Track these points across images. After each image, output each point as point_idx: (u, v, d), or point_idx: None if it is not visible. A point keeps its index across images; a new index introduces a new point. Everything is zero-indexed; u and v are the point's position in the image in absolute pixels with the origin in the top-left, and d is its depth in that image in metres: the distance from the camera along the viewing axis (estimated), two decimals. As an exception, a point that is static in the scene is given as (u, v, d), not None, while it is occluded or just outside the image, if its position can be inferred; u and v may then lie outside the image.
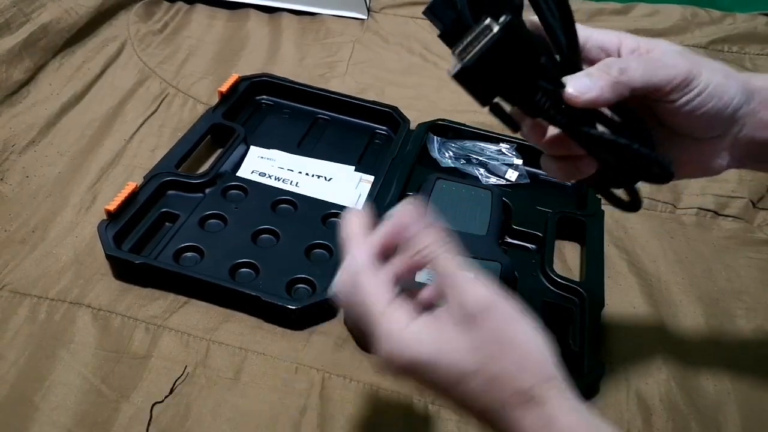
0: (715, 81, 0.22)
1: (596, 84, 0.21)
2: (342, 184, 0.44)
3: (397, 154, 0.45)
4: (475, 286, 0.20)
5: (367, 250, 0.21)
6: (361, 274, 0.21)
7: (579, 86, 0.21)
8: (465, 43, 0.20)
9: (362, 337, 0.21)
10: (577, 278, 0.40)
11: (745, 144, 0.24)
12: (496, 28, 0.19)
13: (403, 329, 0.20)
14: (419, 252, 0.21)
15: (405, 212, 0.21)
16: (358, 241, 0.21)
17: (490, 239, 0.38)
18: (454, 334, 0.19)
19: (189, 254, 0.38)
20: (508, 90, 0.21)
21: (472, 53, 0.20)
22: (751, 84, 0.23)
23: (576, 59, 0.22)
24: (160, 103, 0.50)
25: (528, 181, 0.46)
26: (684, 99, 0.22)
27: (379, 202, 0.41)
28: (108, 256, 0.36)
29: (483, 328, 0.19)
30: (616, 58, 0.22)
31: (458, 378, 0.19)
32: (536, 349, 0.20)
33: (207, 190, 0.41)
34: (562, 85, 0.21)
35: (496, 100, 0.22)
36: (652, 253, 0.42)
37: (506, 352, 0.19)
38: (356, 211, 0.22)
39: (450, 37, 0.20)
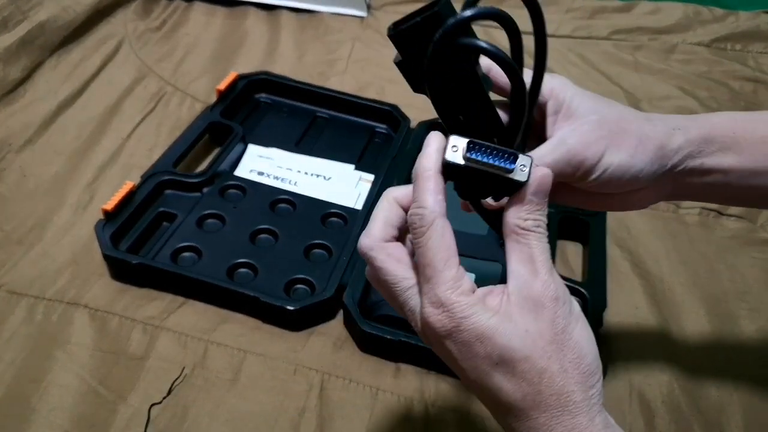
0: (617, 163, 0.23)
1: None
2: (341, 184, 0.44)
3: (397, 152, 0.45)
4: (548, 274, 0.19)
5: (441, 195, 0.20)
6: (438, 220, 0.19)
7: None
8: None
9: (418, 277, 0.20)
10: (579, 278, 0.39)
11: (669, 189, 0.25)
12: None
13: (466, 295, 0.19)
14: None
15: None
16: (438, 183, 0.20)
17: (491, 239, 0.38)
18: (516, 315, 0.19)
19: (187, 254, 0.37)
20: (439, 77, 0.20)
21: (409, 23, 0.19)
22: (671, 144, 0.24)
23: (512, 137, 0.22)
24: (158, 102, 0.50)
25: (529, 180, 0.46)
26: (585, 183, 0.23)
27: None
28: (105, 256, 0.35)
29: (546, 318, 0.19)
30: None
31: (505, 359, 0.19)
32: (589, 356, 0.19)
33: (205, 190, 0.41)
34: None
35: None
36: (655, 253, 0.42)
37: (562, 350, 0.19)
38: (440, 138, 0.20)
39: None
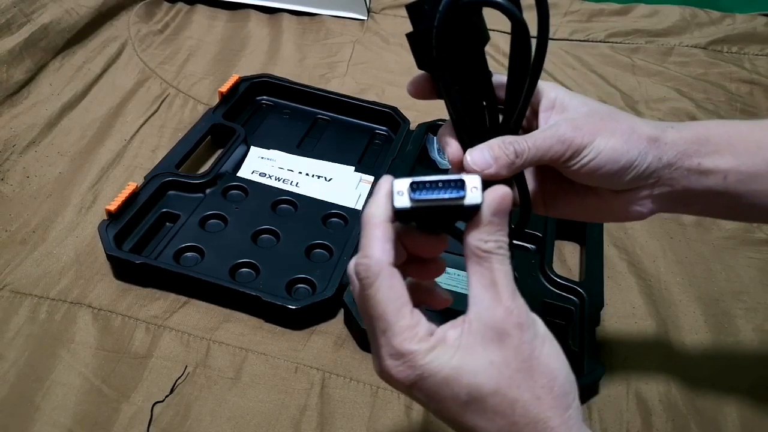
0: (610, 147, 0.22)
1: (495, 163, 0.21)
2: (342, 185, 0.44)
3: (397, 154, 0.46)
4: (510, 299, 0.18)
5: (388, 244, 0.19)
6: (384, 270, 0.18)
7: (478, 160, 0.21)
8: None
9: (371, 330, 0.20)
10: (576, 278, 0.40)
11: (667, 193, 0.24)
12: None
13: (423, 342, 0.18)
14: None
15: None
16: (385, 230, 0.19)
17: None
18: (479, 348, 0.18)
19: (189, 254, 0.38)
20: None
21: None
22: (665, 138, 0.23)
23: (511, 122, 0.22)
24: (161, 104, 0.50)
25: (528, 181, 0.46)
26: (576, 166, 0.23)
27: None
28: (108, 256, 0.36)
29: (511, 346, 0.18)
30: (513, 137, 0.22)
31: (474, 397, 0.18)
32: (560, 376, 0.19)
33: (207, 191, 0.41)
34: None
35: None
36: (652, 253, 0.42)
37: (532, 377, 0.18)
38: (387, 182, 0.19)
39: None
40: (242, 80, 0.50)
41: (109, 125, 0.48)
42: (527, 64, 0.20)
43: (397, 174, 0.43)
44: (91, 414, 0.30)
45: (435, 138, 0.48)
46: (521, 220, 0.24)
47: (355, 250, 0.38)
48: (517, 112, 0.21)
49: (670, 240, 0.44)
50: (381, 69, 0.57)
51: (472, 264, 0.19)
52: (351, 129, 0.50)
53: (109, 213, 0.37)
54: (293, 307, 0.34)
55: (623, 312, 0.38)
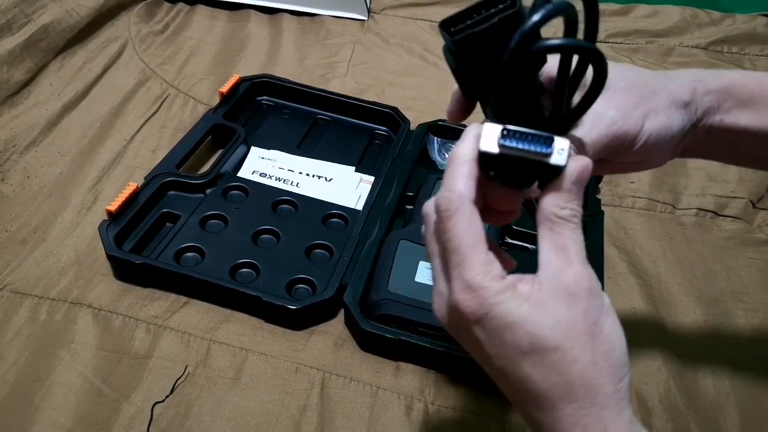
0: (656, 129, 0.23)
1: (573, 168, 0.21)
2: (342, 185, 0.44)
3: (397, 154, 0.46)
4: (581, 265, 0.19)
5: (472, 182, 0.19)
6: (466, 204, 0.19)
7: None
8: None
9: (441, 265, 0.20)
10: (576, 279, 0.40)
11: (687, 145, 0.25)
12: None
13: (496, 281, 0.18)
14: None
15: None
16: (471, 169, 0.19)
17: (490, 240, 0.38)
18: (549, 304, 0.18)
19: (190, 254, 0.38)
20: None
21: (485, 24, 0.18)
22: (696, 98, 0.24)
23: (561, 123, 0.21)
24: (161, 104, 0.50)
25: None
26: (625, 155, 0.23)
27: (379, 203, 0.42)
28: (109, 257, 0.36)
29: (579, 309, 0.18)
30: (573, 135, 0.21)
31: (535, 348, 0.18)
32: (619, 350, 0.19)
33: (208, 191, 0.41)
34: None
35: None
36: (652, 253, 0.42)
37: (594, 341, 0.18)
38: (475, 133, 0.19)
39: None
40: (242, 80, 0.50)
41: (110, 125, 0.48)
42: (597, 96, 0.20)
43: (397, 174, 0.43)
44: (91, 414, 0.30)
45: (435, 138, 0.48)
46: None
47: (355, 251, 0.38)
48: (568, 124, 0.21)
49: (670, 240, 0.44)
50: (381, 69, 0.57)
51: (545, 229, 0.19)
52: (351, 129, 0.50)
53: (109, 213, 0.37)
54: (293, 308, 0.34)
55: (623, 312, 0.38)
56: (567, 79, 0.20)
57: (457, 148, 0.20)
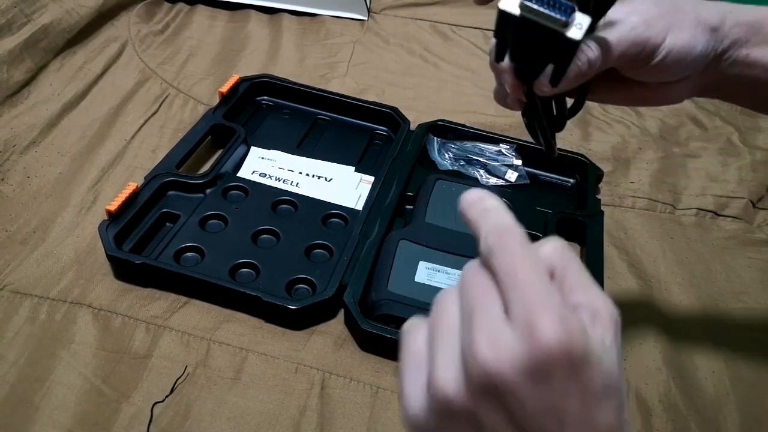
0: (679, 44, 0.22)
1: (587, 64, 0.20)
2: (342, 185, 0.44)
3: (397, 154, 0.46)
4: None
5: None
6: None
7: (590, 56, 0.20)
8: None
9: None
10: (576, 279, 0.40)
11: (710, 81, 0.24)
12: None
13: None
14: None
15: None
16: (524, 244, 0.14)
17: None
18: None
19: (189, 254, 0.38)
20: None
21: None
22: (724, 27, 0.23)
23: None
24: (161, 104, 0.50)
25: (528, 181, 0.46)
26: (644, 67, 0.22)
27: (379, 203, 0.42)
28: (109, 257, 0.36)
29: None
30: (584, 45, 0.20)
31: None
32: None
33: (207, 191, 0.41)
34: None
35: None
36: (652, 253, 0.42)
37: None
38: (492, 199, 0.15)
39: None
40: (242, 80, 0.50)
41: (110, 125, 0.48)
42: None
43: (397, 174, 0.43)
44: (91, 414, 0.30)
45: (435, 138, 0.48)
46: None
47: (355, 251, 0.38)
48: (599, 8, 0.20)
49: (670, 240, 0.44)
50: (381, 69, 0.57)
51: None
52: (351, 129, 0.50)
53: (109, 213, 0.37)
54: (293, 308, 0.34)
55: (623, 312, 0.38)
56: None
57: (497, 222, 0.15)
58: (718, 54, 0.23)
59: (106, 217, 0.37)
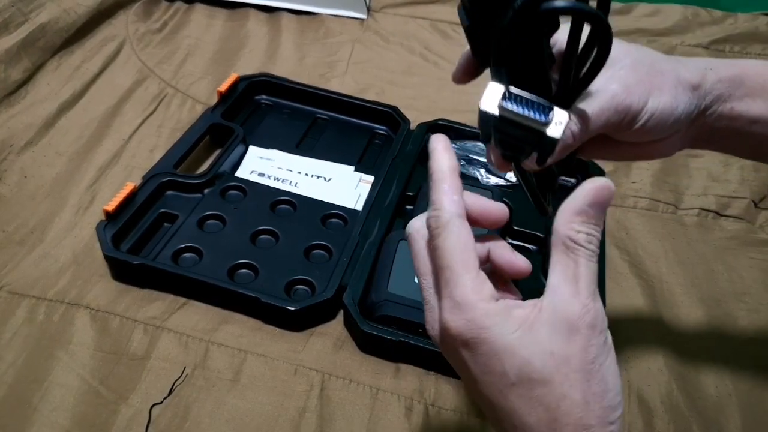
0: (661, 106, 0.22)
1: (571, 137, 0.21)
2: (342, 185, 0.44)
3: (397, 154, 0.45)
4: (590, 298, 0.17)
5: (456, 195, 0.19)
6: (454, 220, 0.18)
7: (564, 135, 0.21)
8: None
9: (432, 283, 0.19)
10: (577, 279, 0.39)
11: (696, 134, 0.25)
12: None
13: (487, 302, 0.18)
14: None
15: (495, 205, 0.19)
16: (453, 182, 0.19)
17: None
18: (544, 334, 0.17)
19: (188, 255, 0.37)
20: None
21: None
22: (706, 83, 0.23)
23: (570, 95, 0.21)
24: (159, 103, 0.50)
25: (528, 181, 0.46)
26: (627, 131, 0.23)
27: (379, 203, 0.41)
28: (106, 257, 0.35)
29: (577, 345, 0.17)
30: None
31: (522, 380, 0.17)
32: (613, 391, 0.18)
33: (206, 191, 0.41)
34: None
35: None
36: (654, 254, 0.42)
37: (588, 380, 0.17)
38: (446, 144, 0.20)
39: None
40: (241, 79, 0.49)
41: (107, 125, 0.47)
42: (601, 65, 0.19)
43: (397, 174, 0.43)
44: (89, 416, 0.30)
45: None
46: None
47: (355, 251, 0.38)
48: (573, 96, 0.21)
49: (672, 241, 0.43)
50: (381, 68, 0.57)
51: (558, 253, 0.18)
52: (351, 129, 0.49)
53: (106, 213, 0.37)
54: (292, 309, 0.34)
55: (624, 313, 0.38)
56: (576, 47, 0.19)
57: (433, 163, 0.20)
58: (701, 110, 0.24)
59: (103, 218, 0.37)
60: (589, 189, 0.18)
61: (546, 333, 0.17)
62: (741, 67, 0.24)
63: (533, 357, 0.17)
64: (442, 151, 0.20)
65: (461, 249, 0.18)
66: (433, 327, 0.20)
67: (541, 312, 0.18)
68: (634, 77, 0.22)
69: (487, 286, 0.18)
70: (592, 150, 0.24)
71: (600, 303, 0.18)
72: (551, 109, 0.18)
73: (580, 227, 0.18)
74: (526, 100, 0.19)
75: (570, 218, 0.18)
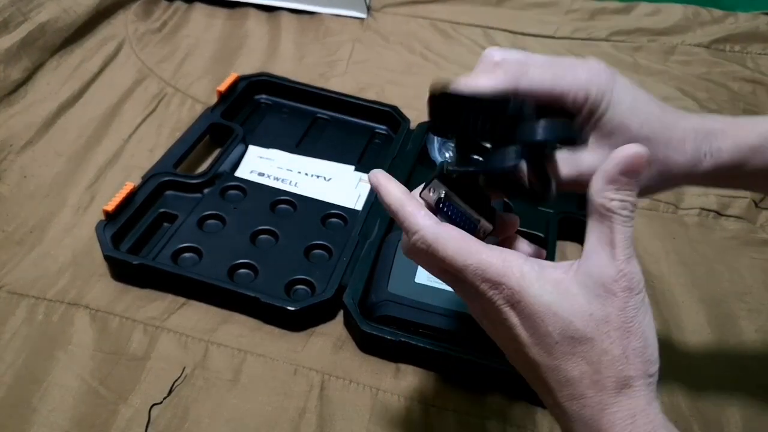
0: (663, 181, 0.23)
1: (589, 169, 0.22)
2: (341, 184, 0.44)
3: (397, 153, 0.45)
4: (625, 262, 0.18)
5: (423, 209, 0.21)
6: (437, 230, 0.20)
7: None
8: None
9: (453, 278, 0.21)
10: (578, 279, 0.39)
11: (700, 178, 0.25)
12: None
13: (519, 264, 0.19)
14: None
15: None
16: (413, 204, 0.21)
17: (492, 240, 0.38)
18: (581, 296, 0.18)
19: (187, 255, 0.37)
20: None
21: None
22: (700, 167, 0.23)
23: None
24: (159, 103, 0.50)
25: (529, 181, 0.46)
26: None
27: (379, 203, 0.41)
28: (106, 257, 0.35)
29: (615, 306, 0.18)
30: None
31: (565, 337, 0.18)
32: (652, 346, 0.19)
33: (205, 190, 0.41)
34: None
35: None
36: (654, 254, 0.42)
37: (627, 337, 0.18)
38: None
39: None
40: (241, 79, 0.49)
41: (107, 124, 0.47)
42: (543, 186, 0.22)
43: (397, 174, 0.43)
44: (88, 416, 0.30)
45: (435, 137, 0.48)
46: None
47: (355, 251, 0.38)
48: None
49: (672, 241, 0.43)
50: (381, 68, 0.57)
51: (593, 220, 0.19)
52: (350, 128, 0.49)
53: (106, 213, 0.37)
54: (292, 309, 0.33)
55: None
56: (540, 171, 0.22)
57: (385, 197, 0.21)
58: (700, 171, 0.24)
59: (103, 217, 0.37)
60: (621, 156, 0.18)
61: (584, 297, 0.18)
62: (748, 146, 0.23)
63: (574, 317, 0.18)
64: (386, 184, 0.21)
65: (464, 245, 0.19)
66: (467, 296, 0.21)
67: (577, 274, 0.19)
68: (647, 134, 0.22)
69: (509, 252, 0.19)
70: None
71: (635, 265, 0.19)
72: (478, 221, 0.21)
73: (614, 195, 0.18)
74: (458, 211, 0.21)
75: (603, 186, 0.19)
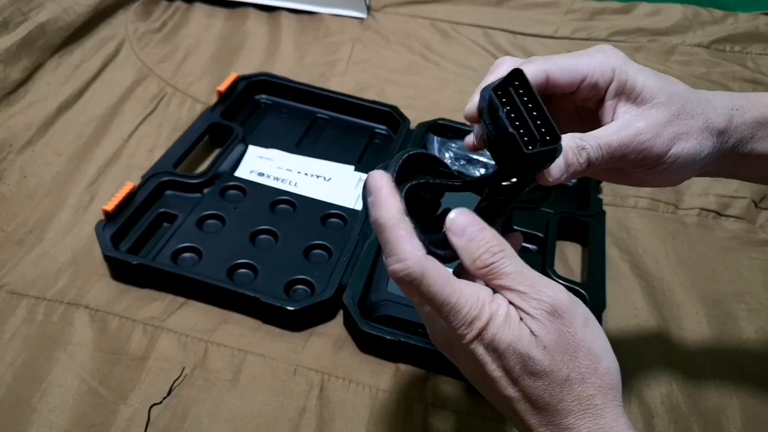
0: (685, 153, 0.22)
1: (567, 171, 0.21)
2: (341, 184, 0.44)
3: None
4: (555, 286, 0.19)
5: (414, 238, 0.19)
6: (426, 265, 0.19)
7: (554, 172, 0.21)
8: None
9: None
10: (578, 279, 0.39)
11: (715, 167, 0.25)
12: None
13: (495, 303, 0.19)
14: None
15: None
16: (404, 227, 0.19)
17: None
18: (535, 326, 0.19)
19: (187, 255, 0.37)
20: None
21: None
22: (731, 128, 0.23)
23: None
24: (159, 103, 0.50)
25: (529, 181, 0.46)
26: (646, 172, 0.23)
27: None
28: (106, 257, 0.35)
29: (561, 327, 0.19)
30: (585, 140, 0.21)
31: (531, 372, 0.19)
32: (604, 356, 0.19)
33: (205, 190, 0.41)
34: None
35: None
36: (654, 254, 0.42)
37: (579, 356, 0.19)
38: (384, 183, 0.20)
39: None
40: (241, 79, 0.49)
41: (107, 124, 0.47)
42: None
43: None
44: (88, 416, 0.30)
45: (435, 137, 0.48)
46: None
47: (354, 251, 0.37)
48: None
49: (672, 241, 0.43)
50: (381, 68, 0.57)
51: (488, 285, 0.20)
52: (350, 128, 0.49)
53: (106, 213, 0.37)
54: (292, 309, 0.33)
55: (625, 313, 0.38)
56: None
57: (377, 212, 0.19)
58: (722, 152, 0.24)
59: (103, 217, 0.37)
60: (449, 224, 0.20)
61: (532, 322, 0.19)
62: (765, 105, 0.24)
63: (533, 350, 0.19)
64: (386, 196, 0.19)
65: (447, 285, 0.19)
66: (436, 338, 0.22)
67: (530, 311, 0.19)
68: (664, 117, 0.22)
69: (482, 289, 0.20)
70: (601, 174, 0.24)
71: (552, 288, 0.19)
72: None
73: (478, 265, 0.20)
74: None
75: (465, 265, 0.20)
